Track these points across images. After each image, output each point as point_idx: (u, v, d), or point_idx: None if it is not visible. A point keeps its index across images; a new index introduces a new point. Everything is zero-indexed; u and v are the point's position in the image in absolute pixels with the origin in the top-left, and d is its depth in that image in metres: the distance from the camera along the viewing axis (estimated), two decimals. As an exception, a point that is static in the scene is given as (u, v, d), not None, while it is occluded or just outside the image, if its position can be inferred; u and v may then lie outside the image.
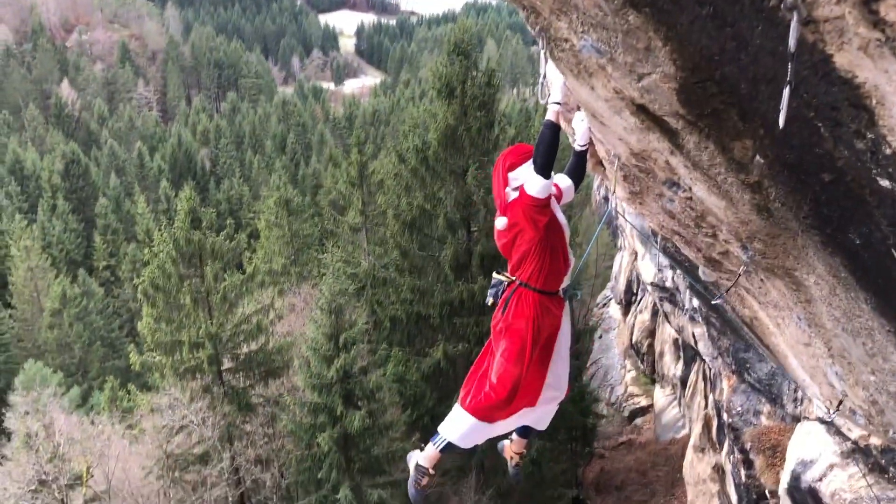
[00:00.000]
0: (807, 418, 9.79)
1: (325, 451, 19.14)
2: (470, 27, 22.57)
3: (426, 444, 5.02)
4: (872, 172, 2.72)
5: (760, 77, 2.74)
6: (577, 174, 5.19)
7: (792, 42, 2.36)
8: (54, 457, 19.96)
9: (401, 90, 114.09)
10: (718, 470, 16.43)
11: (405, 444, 20.47)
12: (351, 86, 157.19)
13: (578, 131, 5.08)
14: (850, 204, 3.01)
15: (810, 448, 8.77)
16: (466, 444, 4.87)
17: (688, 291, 15.20)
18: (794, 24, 2.34)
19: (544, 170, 4.34)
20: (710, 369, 18.01)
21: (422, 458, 4.93)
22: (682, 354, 24.84)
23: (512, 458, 5.66)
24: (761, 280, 4.87)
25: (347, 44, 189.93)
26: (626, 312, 34.78)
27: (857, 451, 7.82)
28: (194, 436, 20.86)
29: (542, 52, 4.07)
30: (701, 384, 20.83)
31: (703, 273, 5.75)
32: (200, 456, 21.01)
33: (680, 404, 26.16)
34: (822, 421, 8.64)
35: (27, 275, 46.67)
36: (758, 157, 3.24)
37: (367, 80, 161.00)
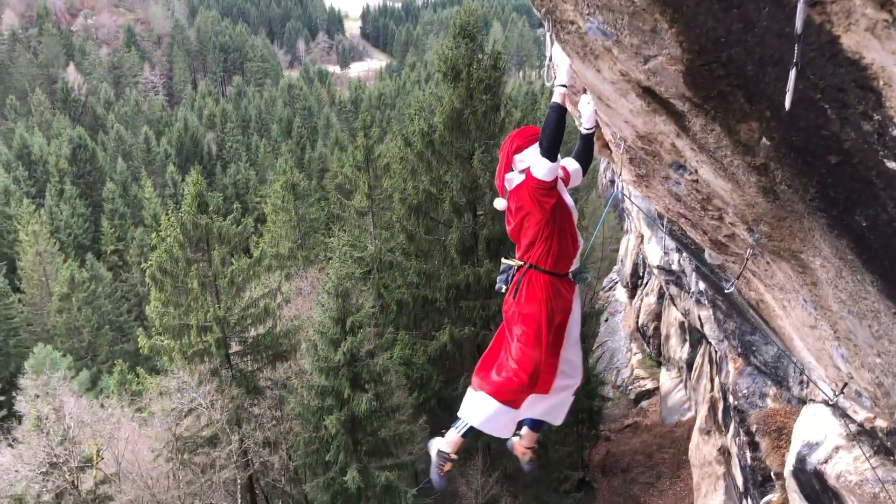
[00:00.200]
0: (812, 401, 9.81)
1: (333, 433, 19.27)
2: (475, 9, 22.47)
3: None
4: (879, 154, 2.71)
5: (767, 59, 2.73)
6: (585, 157, 5.16)
7: (799, 23, 2.35)
8: (64, 439, 20.14)
9: (406, 73, 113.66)
10: (724, 452, 16.48)
11: (412, 427, 20.62)
12: (356, 69, 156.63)
13: (584, 114, 5.05)
14: (857, 186, 3.00)
15: (816, 430, 8.79)
16: (491, 429, 4.80)
17: (694, 274, 15.20)
18: (800, 6, 2.33)
19: (551, 153, 4.32)
20: (716, 352, 18.02)
21: (443, 443, 4.90)
22: (687, 337, 24.86)
23: (524, 454, 5.57)
24: (767, 263, 4.86)
25: (353, 27, 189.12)
26: (632, 295, 34.81)
27: (863, 434, 7.83)
28: (203, 418, 21.03)
29: (548, 35, 4.05)
30: (707, 367, 20.86)
31: (710, 256, 5.75)
32: (209, 438, 21.18)
33: (686, 387, 26.21)
34: (827, 403, 8.66)
35: (36, 259, 46.90)
36: (764, 139, 3.23)
37: (372, 64, 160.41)
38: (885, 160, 2.70)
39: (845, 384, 5.27)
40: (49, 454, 19.74)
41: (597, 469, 25.94)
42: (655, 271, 20.22)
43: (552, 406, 5.07)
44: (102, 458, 21.27)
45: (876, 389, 4.82)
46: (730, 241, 5.01)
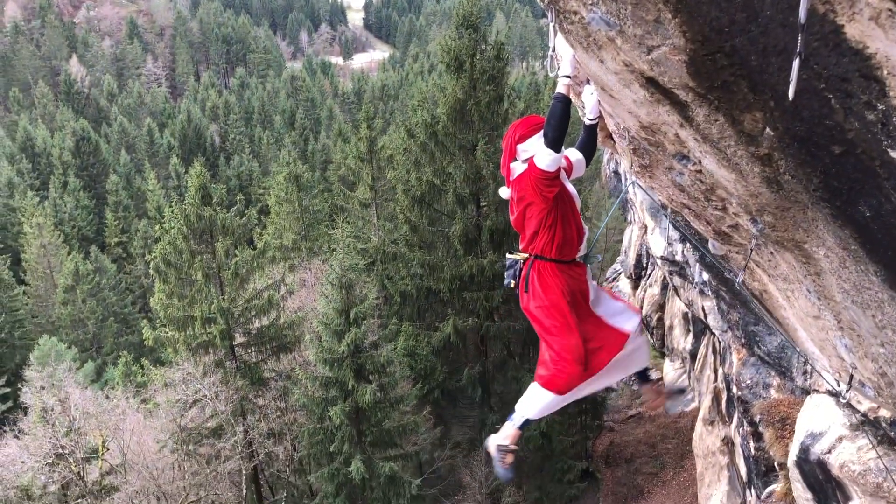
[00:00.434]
0: (816, 391, 9.81)
1: (337, 424, 19.33)
2: (478, 0, 22.35)
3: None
4: (883, 144, 2.70)
5: (770, 48, 2.72)
6: (588, 148, 5.15)
7: (802, 13, 2.35)
8: (70, 431, 20.24)
9: (409, 64, 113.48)
10: (728, 442, 16.50)
11: (416, 418, 20.67)
12: (359, 60, 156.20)
13: (588, 105, 5.04)
14: (861, 176, 3.00)
15: (819, 420, 8.80)
16: (542, 416, 4.94)
17: (697, 265, 15.17)
18: (804, -5, 2.33)
19: (555, 144, 4.31)
20: (719, 343, 18.03)
21: (500, 438, 4.99)
22: (691, 328, 24.84)
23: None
24: (771, 253, 4.86)
25: (355, 18, 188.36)
26: (635, 286, 34.75)
27: (867, 424, 7.84)
28: (208, 410, 21.11)
29: (552, 25, 4.04)
30: (710, 357, 20.86)
31: (713, 246, 5.74)
32: (214, 429, 21.28)
33: (689, 377, 26.21)
34: (831, 393, 8.67)
35: (40, 251, 47.04)
36: (768, 129, 3.23)
37: (375, 55, 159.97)
38: (888, 150, 2.70)
39: (851, 377, 5.28)
40: (55, 445, 19.85)
41: (600, 459, 25.99)
42: (659, 262, 20.20)
43: (624, 359, 4.95)
44: (108, 450, 21.38)
45: (879, 379, 4.83)
46: (733, 232, 5.01)
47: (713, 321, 15.38)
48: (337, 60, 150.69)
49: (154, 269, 22.57)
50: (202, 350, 21.78)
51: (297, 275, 29.62)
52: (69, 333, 41.21)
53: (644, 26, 3.15)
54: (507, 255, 4.90)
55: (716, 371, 19.26)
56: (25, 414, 24.64)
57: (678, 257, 17.33)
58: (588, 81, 5.01)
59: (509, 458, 4.96)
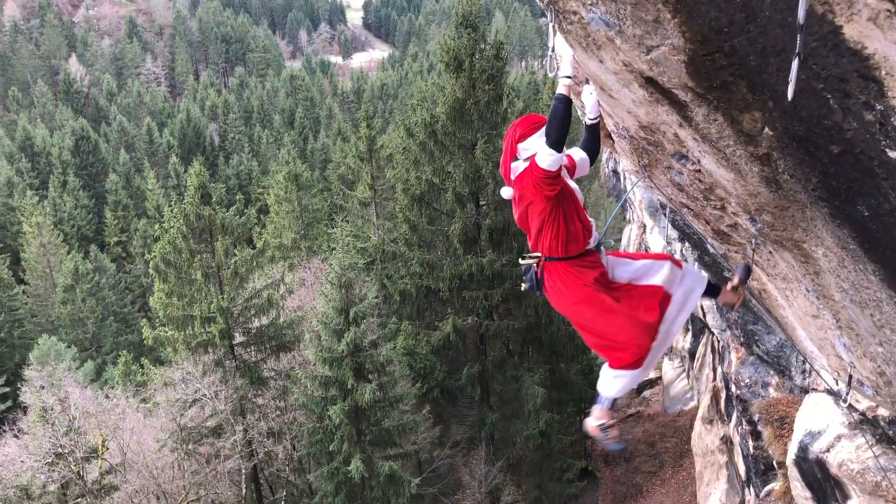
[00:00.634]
0: (815, 390, 9.83)
1: (337, 423, 19.33)
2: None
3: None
4: (881, 144, 2.71)
5: (769, 49, 2.74)
6: (592, 148, 5.16)
7: (801, 13, 2.36)
8: (70, 430, 20.23)
9: (409, 64, 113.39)
10: (727, 441, 16.52)
11: (415, 417, 20.68)
12: (359, 59, 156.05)
13: (588, 105, 5.05)
14: (859, 176, 3.01)
15: (818, 419, 8.81)
16: (626, 391, 5.11)
17: (696, 264, 15.17)
18: (803, -4, 2.34)
19: (557, 144, 4.32)
20: (718, 341, 18.05)
21: (596, 420, 5.13)
22: (690, 327, 24.86)
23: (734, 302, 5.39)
24: (770, 252, 4.88)
25: (355, 17, 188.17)
26: (635, 286, 34.71)
27: (865, 423, 7.85)
28: (207, 409, 21.11)
29: (551, 25, 4.05)
30: (709, 356, 20.88)
31: (712, 246, 5.75)
32: (213, 429, 21.28)
33: (688, 376, 26.25)
34: (830, 392, 8.68)
35: (40, 251, 47.02)
36: (767, 129, 3.24)
37: (374, 54, 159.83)
38: (886, 150, 2.71)
39: (850, 377, 5.30)
40: (54, 445, 19.84)
41: (599, 458, 26.01)
42: (658, 261, 20.17)
43: (685, 291, 4.92)
44: (107, 449, 21.37)
45: (878, 378, 4.85)
46: (732, 231, 5.02)
47: (712, 320, 15.41)
48: (336, 60, 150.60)
49: (153, 268, 22.58)
50: (202, 349, 21.78)
51: (296, 274, 29.64)
52: (69, 333, 41.19)
53: (643, 26, 3.16)
54: (521, 261, 4.91)
55: (714, 370, 19.29)
56: (25, 413, 24.64)
57: (677, 256, 17.31)
58: (587, 81, 5.02)
59: (614, 432, 5.16)
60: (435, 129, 21.59)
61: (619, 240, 39.56)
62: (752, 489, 13.77)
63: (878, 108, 2.58)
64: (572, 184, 4.74)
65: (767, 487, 12.87)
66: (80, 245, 52.43)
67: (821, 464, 8.48)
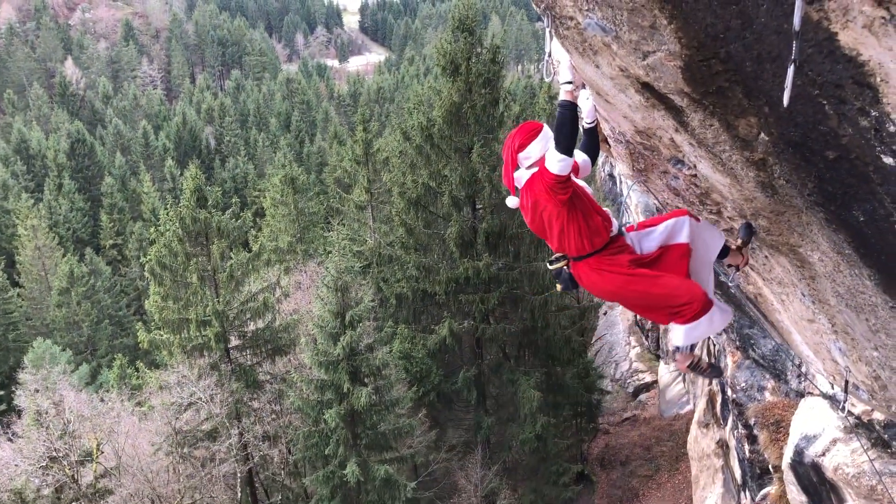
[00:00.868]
0: (811, 394, 9.85)
1: (332, 427, 19.31)
2: (474, 3, 22.41)
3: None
4: (876, 150, 2.73)
5: (765, 55, 2.75)
6: (592, 150, 5.19)
7: (797, 20, 2.37)
8: (64, 434, 20.18)
9: (405, 67, 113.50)
10: (722, 445, 16.54)
11: (411, 421, 20.66)
12: (355, 63, 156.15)
13: (584, 109, 5.06)
14: (854, 181, 3.03)
15: (814, 423, 8.83)
16: (702, 338, 5.23)
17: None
18: (798, 2, 2.35)
19: (568, 151, 4.34)
20: (714, 345, 18.08)
21: (684, 362, 5.21)
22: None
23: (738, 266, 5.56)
24: (766, 257, 4.89)
25: (351, 21, 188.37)
26: (631, 289, 34.74)
27: (860, 426, 7.87)
28: (202, 412, 21.06)
29: (548, 30, 4.06)
30: (705, 360, 20.90)
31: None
32: (209, 432, 21.23)
33: (684, 380, 26.28)
34: (825, 396, 8.69)
35: (35, 254, 46.91)
36: (762, 134, 3.25)
37: (371, 58, 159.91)
38: (882, 156, 2.73)
39: (846, 382, 5.31)
40: (49, 448, 19.78)
41: (595, 462, 26.03)
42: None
43: (705, 243, 5.00)
44: (102, 452, 21.31)
45: (873, 382, 4.86)
46: (728, 236, 5.03)
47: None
48: (333, 63, 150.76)
49: (149, 271, 22.53)
50: (197, 353, 21.73)
51: (292, 277, 29.60)
52: (64, 336, 41.08)
53: (640, 32, 3.18)
54: (548, 266, 4.94)
55: (711, 374, 19.28)
56: (19, 417, 24.56)
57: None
58: (584, 86, 5.04)
59: (705, 364, 5.32)
60: (431, 133, 21.61)
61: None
62: (747, 493, 13.78)
63: (874, 114, 2.59)
64: (582, 183, 4.77)
65: (763, 491, 12.89)
66: (76, 248, 52.30)
67: (816, 468, 8.50)
